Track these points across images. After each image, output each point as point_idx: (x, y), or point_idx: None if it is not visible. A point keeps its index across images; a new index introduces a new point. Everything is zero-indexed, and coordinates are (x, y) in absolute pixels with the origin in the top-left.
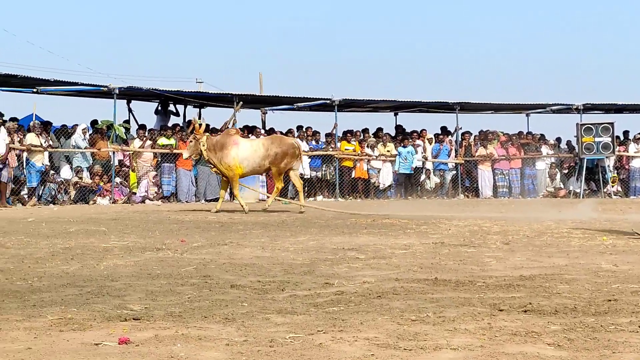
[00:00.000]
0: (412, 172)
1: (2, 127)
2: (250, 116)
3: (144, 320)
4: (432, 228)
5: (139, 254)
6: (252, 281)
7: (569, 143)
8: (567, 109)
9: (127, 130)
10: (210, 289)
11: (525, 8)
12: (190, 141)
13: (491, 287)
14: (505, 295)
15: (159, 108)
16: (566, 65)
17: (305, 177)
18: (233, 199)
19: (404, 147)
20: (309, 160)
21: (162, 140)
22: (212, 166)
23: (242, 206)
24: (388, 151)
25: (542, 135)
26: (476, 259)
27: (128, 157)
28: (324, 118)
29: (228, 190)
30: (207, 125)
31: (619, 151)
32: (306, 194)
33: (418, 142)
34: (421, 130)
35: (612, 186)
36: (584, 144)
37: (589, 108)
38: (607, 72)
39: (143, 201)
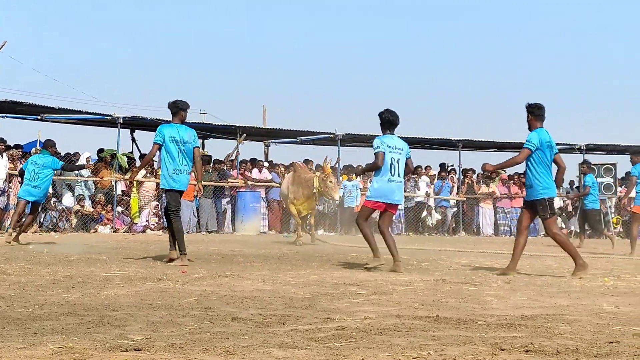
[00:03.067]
0: (355, 206)
1: (4, 153)
2: (253, 148)
3: (144, 351)
4: (433, 265)
5: (140, 284)
6: (253, 314)
7: (571, 183)
8: (570, 149)
9: (130, 159)
10: (211, 321)
11: (528, 48)
12: (330, 181)
13: (492, 326)
14: (506, 334)
15: None
16: (569, 105)
17: None
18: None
19: (349, 180)
20: None
21: None
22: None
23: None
24: None
25: None
26: (477, 297)
27: (130, 187)
28: (326, 152)
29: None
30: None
31: (620, 192)
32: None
33: (414, 177)
34: (425, 167)
35: (615, 227)
36: None
37: (591, 148)
38: (611, 113)
39: (144, 231)
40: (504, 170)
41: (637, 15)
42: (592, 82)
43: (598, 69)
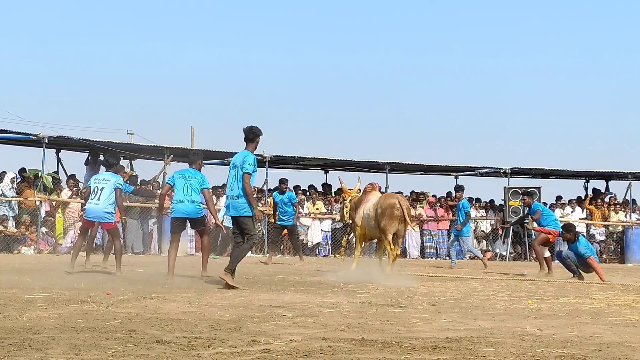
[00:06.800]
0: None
1: None
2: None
3: None
4: (359, 287)
5: (63, 306)
6: (178, 337)
7: (500, 206)
8: (495, 173)
9: (55, 180)
10: (135, 344)
11: (454, 71)
12: (341, 203)
13: (417, 349)
14: (431, 357)
15: (89, 158)
16: (494, 129)
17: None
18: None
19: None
20: None
21: None
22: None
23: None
24: (317, 209)
25: (471, 197)
26: (403, 319)
27: (55, 207)
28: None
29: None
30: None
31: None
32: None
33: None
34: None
35: None
36: (511, 207)
37: (516, 172)
38: (535, 138)
39: (69, 252)
40: (431, 193)
41: (552, 42)
42: (516, 107)
43: (520, 94)
